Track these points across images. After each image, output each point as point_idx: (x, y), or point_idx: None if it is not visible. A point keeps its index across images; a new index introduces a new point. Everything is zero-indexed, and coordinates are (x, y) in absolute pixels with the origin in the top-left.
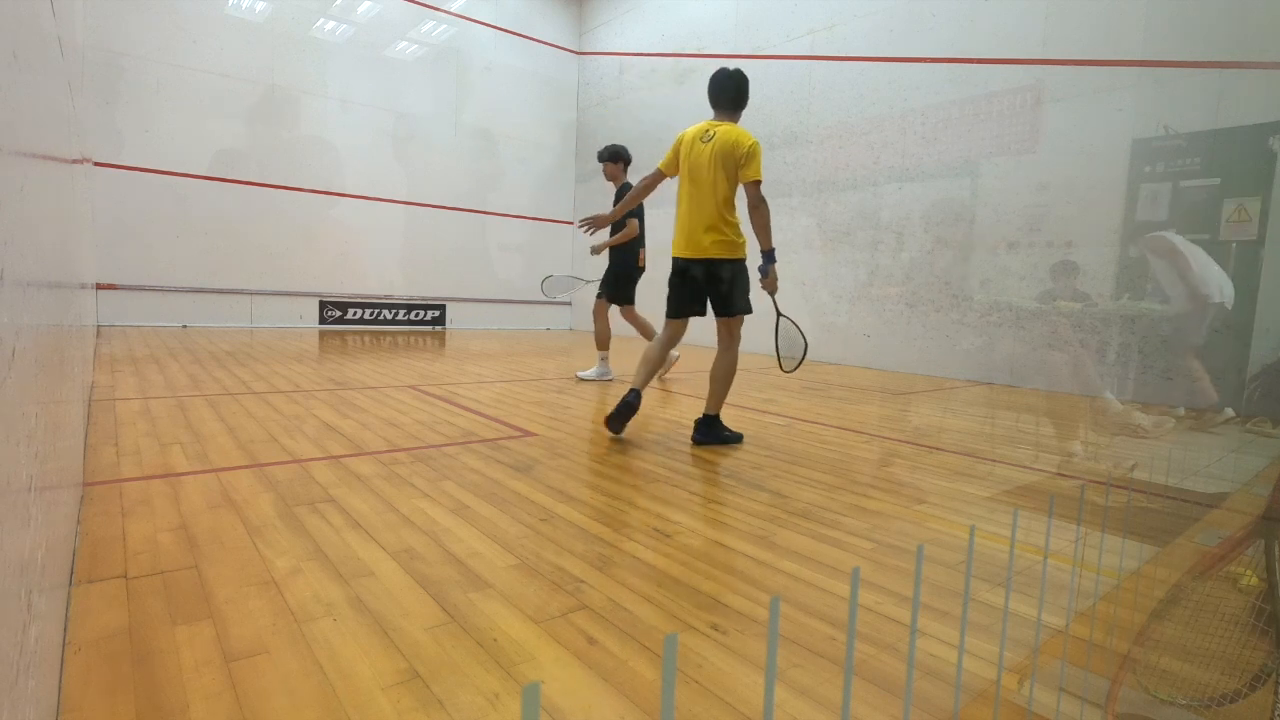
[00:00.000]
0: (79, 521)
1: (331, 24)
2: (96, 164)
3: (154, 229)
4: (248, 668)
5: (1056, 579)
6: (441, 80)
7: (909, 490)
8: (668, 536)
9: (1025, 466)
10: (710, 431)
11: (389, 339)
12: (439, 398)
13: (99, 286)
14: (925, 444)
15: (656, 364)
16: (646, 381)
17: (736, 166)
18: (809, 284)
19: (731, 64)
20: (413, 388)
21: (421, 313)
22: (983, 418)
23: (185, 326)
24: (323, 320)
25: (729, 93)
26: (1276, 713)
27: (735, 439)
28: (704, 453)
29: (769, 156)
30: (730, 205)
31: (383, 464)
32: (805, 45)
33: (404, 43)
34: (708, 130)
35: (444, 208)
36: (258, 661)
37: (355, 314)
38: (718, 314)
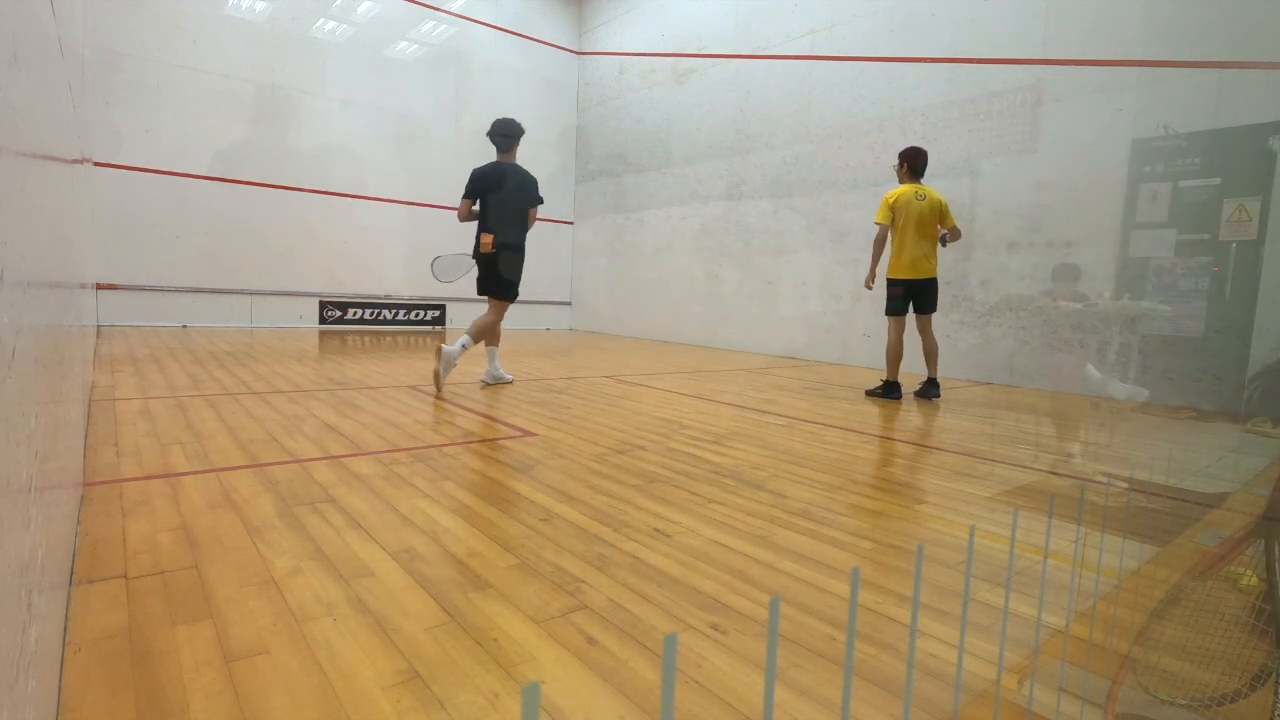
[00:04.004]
0: (79, 521)
1: (331, 24)
2: (96, 164)
3: (154, 229)
4: (248, 668)
5: (1056, 579)
6: (441, 80)
7: (909, 490)
8: (668, 536)
9: (1025, 466)
10: (934, 387)
11: (389, 339)
12: (439, 398)
13: (99, 286)
14: (925, 444)
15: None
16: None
17: (942, 217)
18: (808, 284)
19: (732, 64)
20: (413, 388)
21: (421, 313)
22: (983, 418)
23: (185, 326)
24: (323, 320)
25: (926, 165)
26: (1276, 713)
27: (937, 393)
28: (704, 453)
29: (770, 156)
30: (937, 241)
31: (383, 464)
32: (805, 45)
33: (404, 43)
34: (918, 192)
35: (444, 207)
36: (258, 661)
37: (355, 314)
38: (922, 312)
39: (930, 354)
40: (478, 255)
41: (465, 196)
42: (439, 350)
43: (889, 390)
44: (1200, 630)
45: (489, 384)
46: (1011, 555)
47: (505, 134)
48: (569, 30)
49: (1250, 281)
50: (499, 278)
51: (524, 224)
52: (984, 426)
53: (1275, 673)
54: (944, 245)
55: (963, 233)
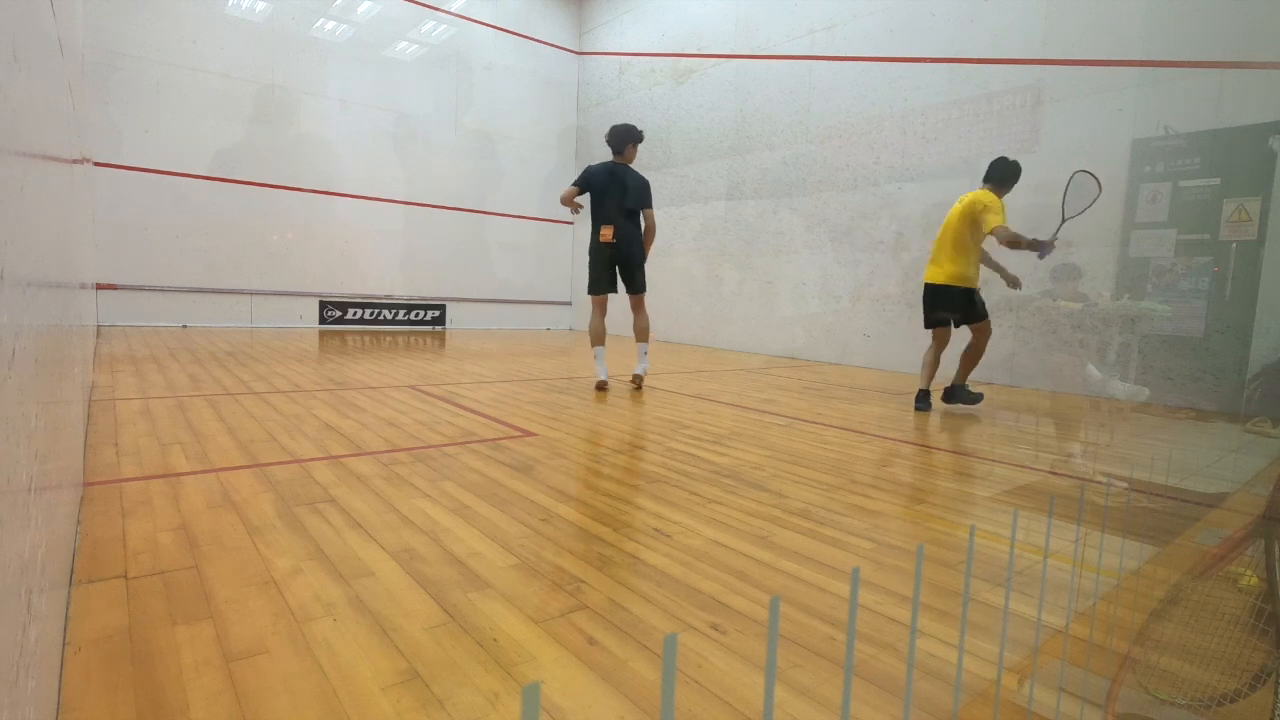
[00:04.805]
0: (79, 521)
1: (331, 24)
2: (96, 164)
3: (154, 229)
4: (248, 668)
5: (1056, 579)
6: (441, 80)
7: (909, 490)
8: (668, 536)
9: (1025, 466)
10: (957, 394)
11: (389, 339)
12: (439, 398)
13: (99, 286)
14: (925, 444)
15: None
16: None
17: (971, 222)
18: (809, 284)
19: (732, 64)
20: (413, 388)
21: (421, 313)
22: (982, 418)
23: (185, 326)
24: (323, 320)
25: (995, 171)
26: (1276, 713)
27: (977, 399)
28: (704, 453)
29: (769, 156)
30: (963, 248)
31: (383, 464)
32: (805, 45)
33: (404, 43)
34: (962, 197)
35: (444, 208)
36: (258, 661)
37: (355, 314)
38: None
39: (965, 358)
40: (595, 249)
41: (572, 184)
42: (638, 380)
43: (917, 399)
44: (1200, 630)
45: (640, 377)
46: (1011, 555)
47: (614, 135)
48: (569, 30)
49: (1250, 281)
50: (616, 274)
51: (636, 222)
52: (984, 426)
53: (1275, 673)
54: (1041, 255)
55: (1009, 234)
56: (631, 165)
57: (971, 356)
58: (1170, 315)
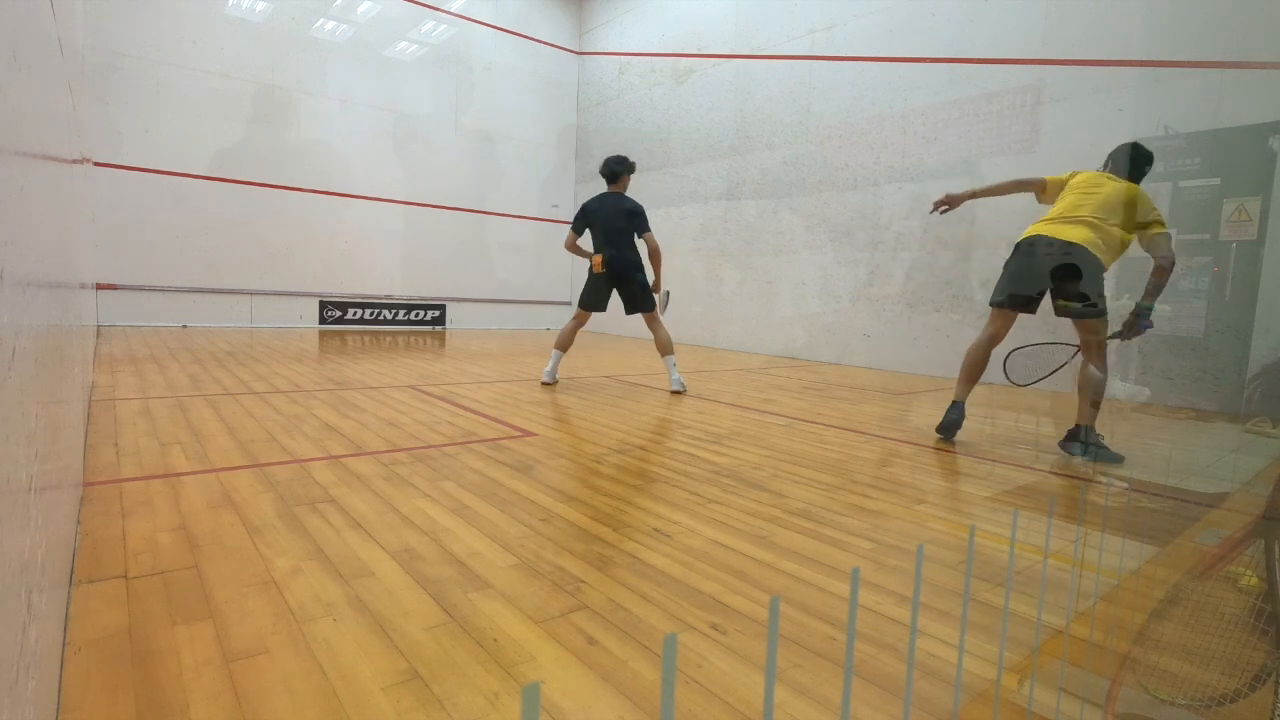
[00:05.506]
0: (79, 521)
1: (331, 24)
2: (96, 164)
3: (154, 229)
4: (248, 668)
5: (1056, 579)
6: (441, 80)
7: (909, 490)
8: (668, 536)
9: (1025, 466)
10: (1082, 440)
11: (389, 339)
12: (439, 398)
13: (99, 286)
14: (925, 444)
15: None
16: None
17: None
18: (809, 284)
19: (732, 64)
20: (413, 388)
21: (421, 313)
22: (983, 418)
23: (185, 326)
24: (323, 320)
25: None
26: (1276, 713)
27: (1109, 457)
28: (704, 453)
29: (769, 156)
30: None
31: (383, 464)
32: (805, 45)
33: (404, 43)
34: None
35: (444, 208)
36: (258, 661)
37: (355, 314)
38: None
39: (1082, 388)
40: (590, 275)
41: (570, 229)
42: (677, 392)
43: (947, 421)
44: (1200, 630)
45: (677, 391)
46: (1012, 555)
47: (605, 166)
48: (569, 30)
49: (1250, 281)
50: (610, 296)
51: (630, 245)
52: (984, 426)
53: (1275, 673)
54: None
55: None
56: (625, 193)
57: (1089, 380)
58: (1170, 315)
